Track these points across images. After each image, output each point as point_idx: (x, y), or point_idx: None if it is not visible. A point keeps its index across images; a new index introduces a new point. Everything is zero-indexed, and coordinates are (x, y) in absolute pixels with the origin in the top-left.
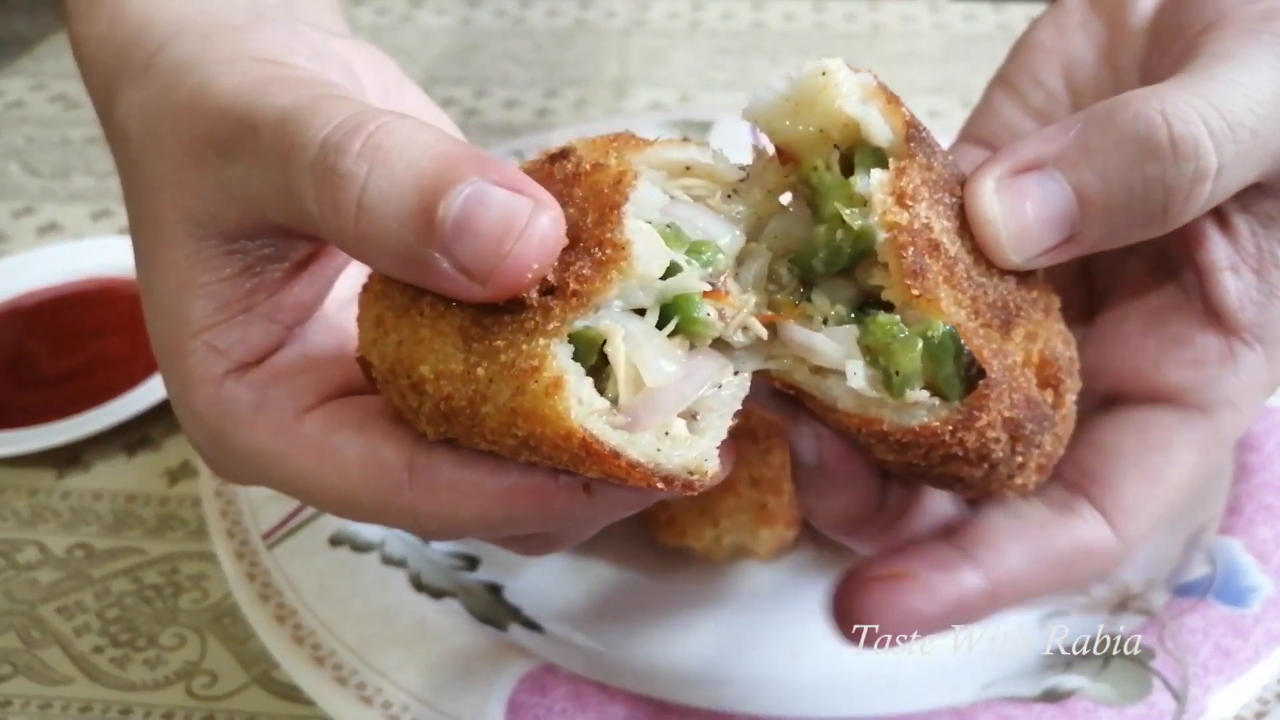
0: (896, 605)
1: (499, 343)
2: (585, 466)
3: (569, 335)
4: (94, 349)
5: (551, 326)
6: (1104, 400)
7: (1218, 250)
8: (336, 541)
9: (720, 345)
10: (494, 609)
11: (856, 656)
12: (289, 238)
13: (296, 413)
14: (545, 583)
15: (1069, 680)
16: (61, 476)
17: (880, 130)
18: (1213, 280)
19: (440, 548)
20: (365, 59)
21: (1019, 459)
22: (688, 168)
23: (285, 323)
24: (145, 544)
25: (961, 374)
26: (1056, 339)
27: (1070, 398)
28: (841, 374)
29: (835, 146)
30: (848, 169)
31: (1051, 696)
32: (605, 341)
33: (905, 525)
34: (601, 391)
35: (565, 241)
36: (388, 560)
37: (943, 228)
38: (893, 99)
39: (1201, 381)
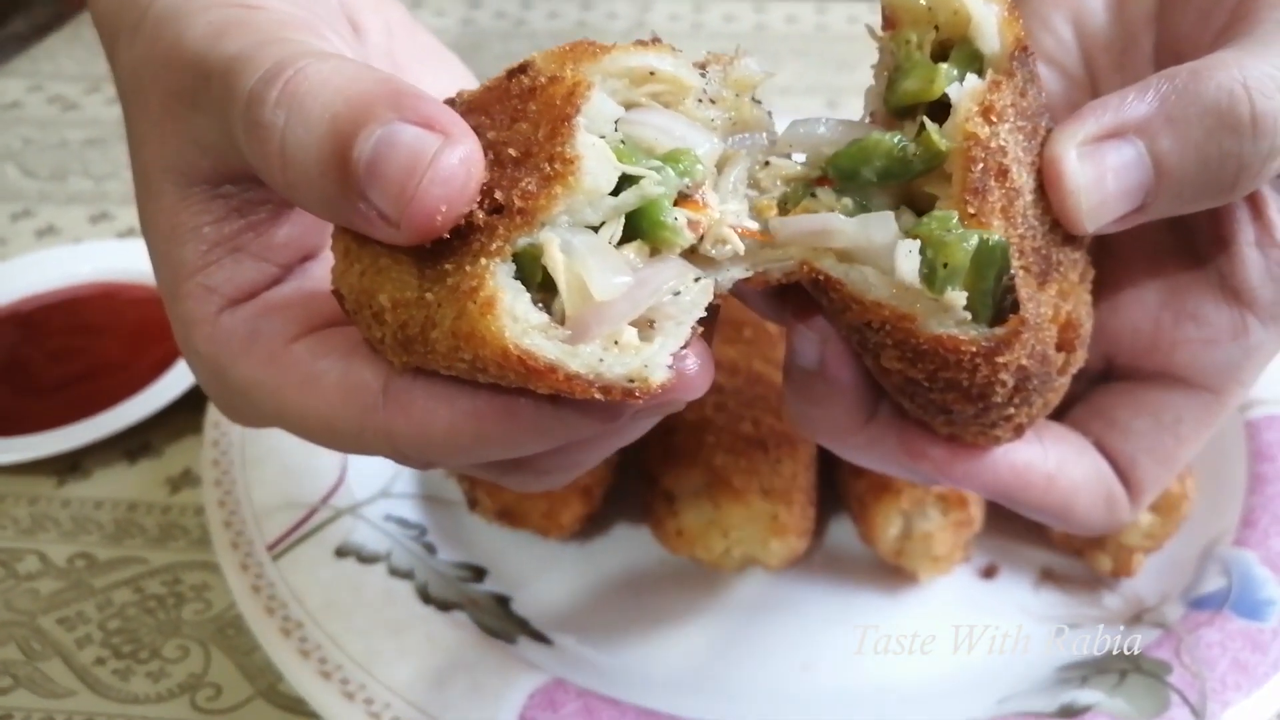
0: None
1: (448, 266)
2: (531, 383)
3: (514, 254)
4: (93, 354)
5: (494, 246)
6: (1108, 361)
7: (1243, 224)
8: (342, 553)
9: (706, 262)
10: (502, 621)
11: (870, 669)
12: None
13: (285, 342)
14: (554, 594)
15: (1085, 695)
16: (62, 484)
17: (989, 36)
18: (1236, 255)
19: (446, 558)
20: (369, 2)
21: (1010, 410)
22: (651, 73)
23: (278, 261)
24: (147, 553)
25: (996, 299)
26: (1082, 307)
27: (1073, 370)
28: (874, 266)
29: (936, 28)
30: (940, 58)
31: (1068, 712)
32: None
33: (891, 439)
34: (551, 308)
35: (481, 178)
36: (394, 572)
37: (1015, 157)
38: (1015, 12)
39: (1214, 363)
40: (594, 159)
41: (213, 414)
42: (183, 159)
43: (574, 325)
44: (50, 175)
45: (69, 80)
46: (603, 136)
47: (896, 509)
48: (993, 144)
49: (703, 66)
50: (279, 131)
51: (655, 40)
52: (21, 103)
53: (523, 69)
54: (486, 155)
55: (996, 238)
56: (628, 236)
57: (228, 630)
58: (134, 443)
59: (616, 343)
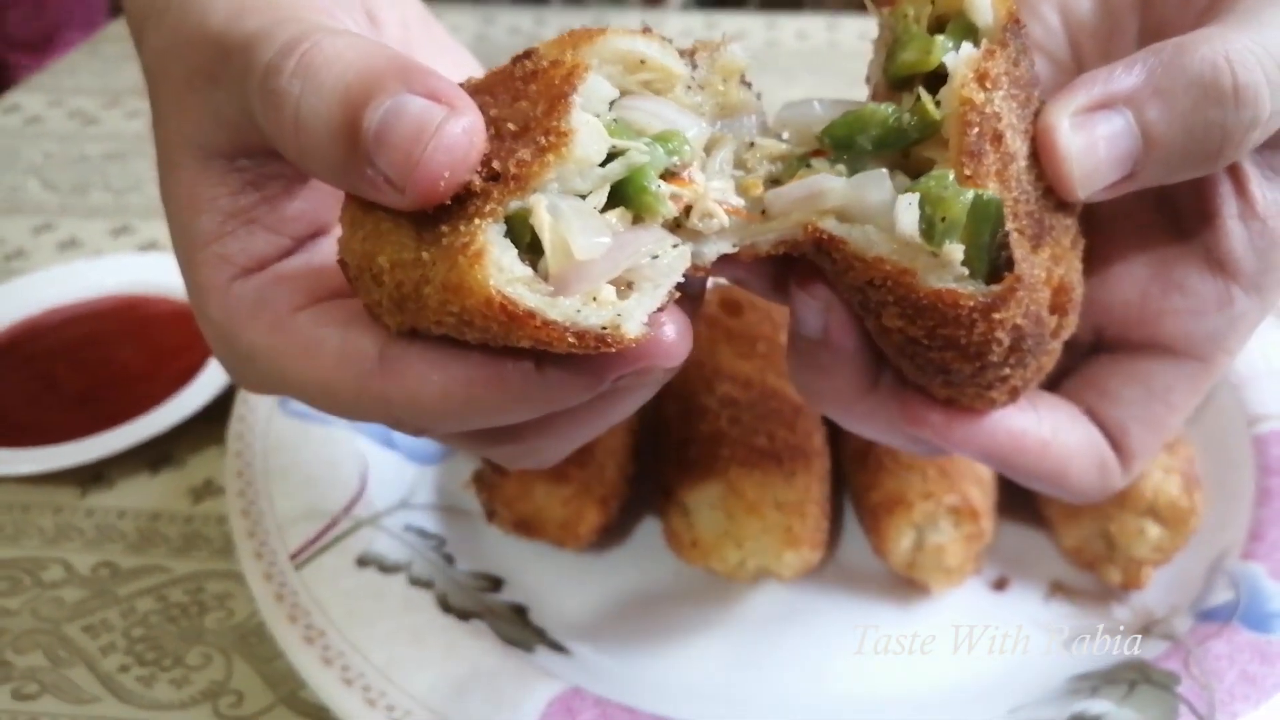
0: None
1: (444, 229)
2: (512, 333)
3: (505, 217)
4: (116, 366)
5: (488, 208)
6: (1098, 333)
7: (1227, 198)
8: (363, 562)
9: (693, 235)
10: (520, 631)
11: (881, 679)
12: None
13: (290, 311)
14: (570, 604)
15: (1095, 705)
16: (85, 494)
17: (983, 9)
18: (1220, 228)
19: (465, 568)
20: None
21: (1005, 371)
22: (642, 61)
23: (289, 233)
24: (170, 562)
25: (992, 256)
26: (1074, 273)
27: (1065, 335)
28: (874, 224)
29: (932, 3)
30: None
31: None
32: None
33: (892, 407)
34: (537, 267)
35: (482, 148)
36: (415, 581)
37: (1009, 124)
38: None
39: (1201, 332)
40: (587, 132)
41: (236, 425)
42: (202, 133)
43: (556, 281)
44: (71, 189)
45: (89, 95)
46: (597, 115)
47: (909, 522)
48: (988, 109)
49: (691, 54)
50: (294, 100)
51: (646, 30)
52: (42, 117)
53: (527, 55)
54: (488, 130)
55: (991, 194)
56: (616, 205)
57: (250, 638)
58: (156, 453)
59: (595, 299)
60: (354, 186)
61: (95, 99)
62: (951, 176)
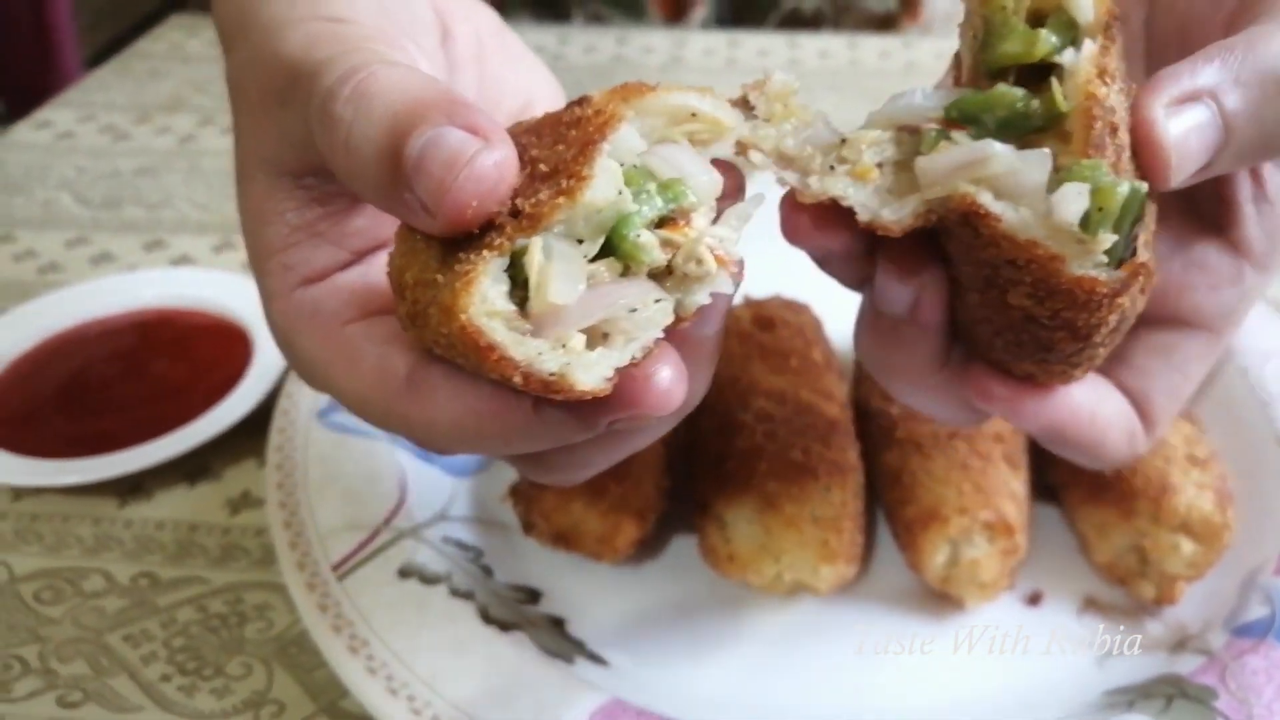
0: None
1: (461, 255)
2: (481, 363)
3: (511, 253)
4: (152, 379)
5: (498, 242)
6: None
7: (1242, 182)
8: (405, 573)
9: (684, 280)
10: (559, 643)
11: (917, 693)
12: None
13: (341, 323)
14: (609, 617)
15: None
16: (124, 505)
17: (1084, 6)
18: (1236, 210)
19: (503, 580)
20: (461, 10)
21: (1100, 350)
22: (693, 114)
23: (351, 248)
24: (209, 573)
25: (1125, 244)
26: (1154, 258)
27: (1137, 313)
28: (1024, 203)
29: None
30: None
31: None
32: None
33: (960, 381)
34: (525, 306)
35: (513, 182)
36: (455, 593)
37: (1121, 117)
38: None
39: (1216, 306)
40: (603, 179)
41: (276, 438)
42: (273, 151)
43: (535, 323)
44: (104, 204)
45: (120, 110)
46: (621, 164)
47: (943, 537)
48: (1107, 103)
49: (743, 101)
50: (347, 124)
51: (695, 89)
52: (74, 133)
53: (580, 102)
54: (524, 169)
55: (1143, 186)
56: (610, 254)
57: (290, 649)
58: (193, 465)
59: (565, 345)
60: (394, 209)
61: (126, 115)
62: (1105, 166)
